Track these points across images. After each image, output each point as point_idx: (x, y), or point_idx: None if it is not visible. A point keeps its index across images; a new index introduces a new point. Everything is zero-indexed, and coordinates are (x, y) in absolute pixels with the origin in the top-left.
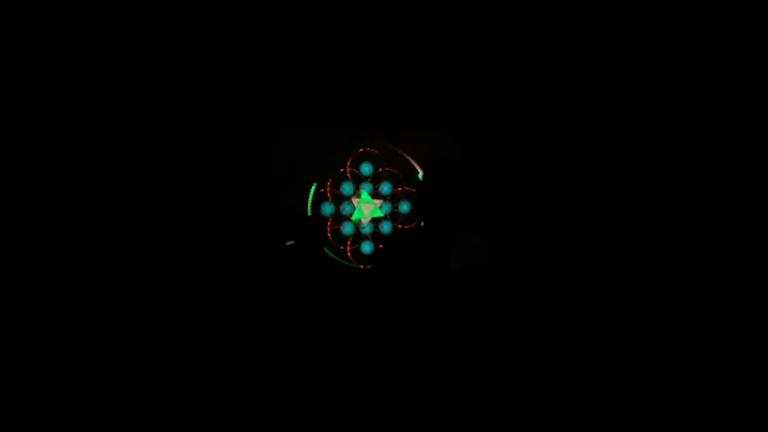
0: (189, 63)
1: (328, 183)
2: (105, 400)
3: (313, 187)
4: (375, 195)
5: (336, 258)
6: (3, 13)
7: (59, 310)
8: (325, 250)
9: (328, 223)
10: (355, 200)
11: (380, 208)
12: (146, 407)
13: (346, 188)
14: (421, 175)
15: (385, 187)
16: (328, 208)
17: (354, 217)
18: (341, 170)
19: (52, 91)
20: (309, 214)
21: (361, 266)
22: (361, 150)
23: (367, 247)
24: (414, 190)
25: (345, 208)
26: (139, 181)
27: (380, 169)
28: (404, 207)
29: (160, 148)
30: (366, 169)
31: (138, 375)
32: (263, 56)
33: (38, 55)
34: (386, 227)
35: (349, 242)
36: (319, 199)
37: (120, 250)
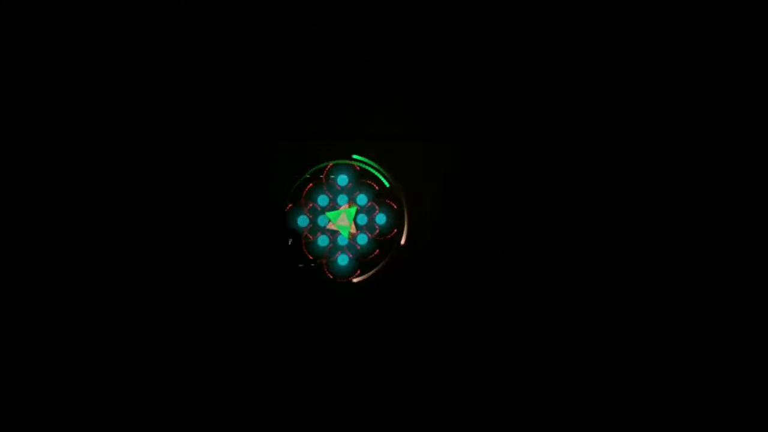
0: (189, 63)
1: (303, 195)
2: (99, 400)
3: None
4: (350, 206)
5: (311, 271)
6: (3, 13)
7: (57, 310)
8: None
9: (302, 236)
10: (330, 212)
11: (356, 219)
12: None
13: (321, 200)
14: (387, 183)
15: (361, 199)
16: (302, 221)
17: (328, 214)
18: (316, 180)
19: (52, 91)
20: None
21: (338, 279)
22: (337, 161)
23: (343, 260)
24: (389, 201)
25: (320, 221)
26: (138, 181)
27: (355, 181)
28: (380, 218)
29: (160, 149)
30: (342, 180)
31: (131, 374)
32: (263, 56)
33: (38, 55)
34: (362, 239)
35: (325, 255)
36: (292, 211)
37: (119, 249)
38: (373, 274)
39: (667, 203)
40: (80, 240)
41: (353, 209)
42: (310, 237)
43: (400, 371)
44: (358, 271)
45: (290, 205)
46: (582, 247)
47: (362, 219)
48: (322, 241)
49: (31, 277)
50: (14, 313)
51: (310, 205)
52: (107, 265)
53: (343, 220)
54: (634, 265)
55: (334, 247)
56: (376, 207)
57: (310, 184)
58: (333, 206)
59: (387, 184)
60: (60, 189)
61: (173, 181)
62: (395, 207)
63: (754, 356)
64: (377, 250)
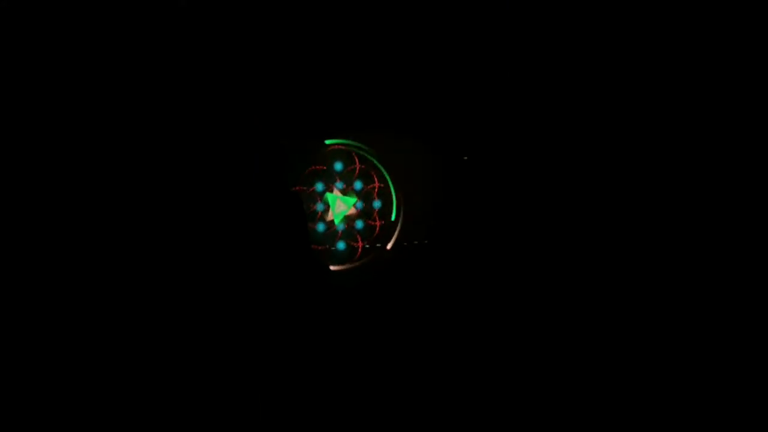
0: (189, 63)
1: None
2: (104, 400)
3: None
4: (347, 192)
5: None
6: (3, 13)
7: (59, 310)
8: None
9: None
10: (328, 197)
11: (355, 206)
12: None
13: (318, 186)
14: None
15: (357, 185)
16: None
17: (328, 196)
18: (313, 168)
19: (52, 91)
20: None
21: (335, 267)
22: (333, 147)
23: (341, 246)
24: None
25: (318, 207)
26: (138, 181)
27: (352, 167)
28: (377, 204)
29: (160, 149)
30: (338, 166)
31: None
32: (264, 56)
33: (38, 55)
34: (359, 225)
35: (323, 241)
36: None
37: (119, 251)
38: (353, 267)
39: (662, 202)
40: (81, 240)
41: (351, 195)
42: (311, 225)
43: (374, 366)
44: (356, 256)
45: (300, 188)
46: (579, 252)
47: (359, 205)
48: (319, 227)
49: (31, 277)
50: (14, 313)
51: (310, 190)
52: (107, 264)
53: (340, 206)
54: (629, 266)
55: (331, 233)
56: (374, 192)
57: (307, 171)
58: (330, 192)
59: (384, 172)
60: (60, 189)
61: (173, 181)
62: (392, 192)
63: (754, 356)
64: (375, 235)
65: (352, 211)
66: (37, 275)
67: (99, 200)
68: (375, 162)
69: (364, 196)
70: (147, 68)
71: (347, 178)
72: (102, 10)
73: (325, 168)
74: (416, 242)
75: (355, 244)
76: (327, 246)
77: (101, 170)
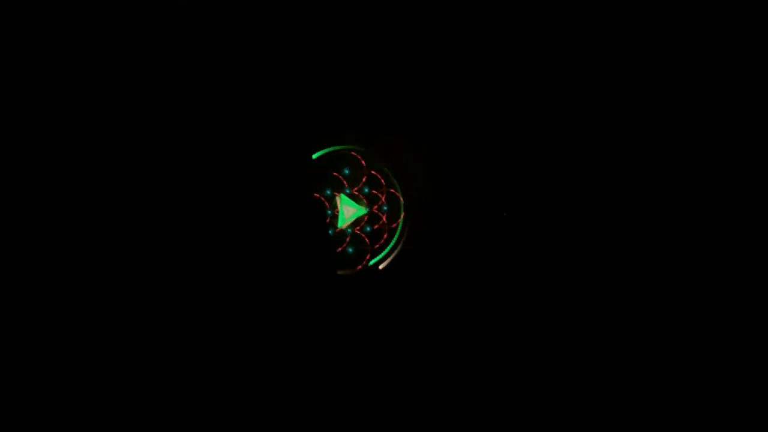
0: (189, 63)
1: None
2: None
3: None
4: (355, 197)
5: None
6: (3, 13)
7: (59, 310)
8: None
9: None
10: (338, 201)
11: (365, 209)
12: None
13: (327, 191)
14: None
15: (365, 189)
16: None
17: (340, 224)
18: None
19: (52, 91)
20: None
21: (343, 271)
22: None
23: (350, 249)
24: (393, 191)
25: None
26: (138, 181)
27: (360, 171)
28: (385, 208)
29: (160, 149)
30: (346, 171)
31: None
32: (264, 56)
33: (38, 55)
34: (367, 229)
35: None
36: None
37: (119, 252)
38: (361, 270)
39: (664, 203)
40: (83, 241)
41: (359, 200)
42: None
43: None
44: (365, 260)
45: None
46: (580, 257)
47: (367, 209)
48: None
49: (31, 277)
50: (14, 313)
51: (315, 196)
52: (112, 265)
53: (349, 211)
54: (630, 266)
55: (340, 237)
56: (382, 196)
57: (316, 176)
58: (338, 197)
59: (392, 176)
60: (60, 190)
61: (172, 181)
62: (400, 196)
63: (754, 356)
64: (383, 239)
65: (361, 215)
66: (37, 275)
67: (93, 199)
68: (383, 167)
69: (373, 200)
70: (147, 68)
71: (355, 182)
72: (102, 10)
73: (335, 174)
74: (419, 246)
75: (363, 248)
76: (337, 249)
77: (99, 169)
